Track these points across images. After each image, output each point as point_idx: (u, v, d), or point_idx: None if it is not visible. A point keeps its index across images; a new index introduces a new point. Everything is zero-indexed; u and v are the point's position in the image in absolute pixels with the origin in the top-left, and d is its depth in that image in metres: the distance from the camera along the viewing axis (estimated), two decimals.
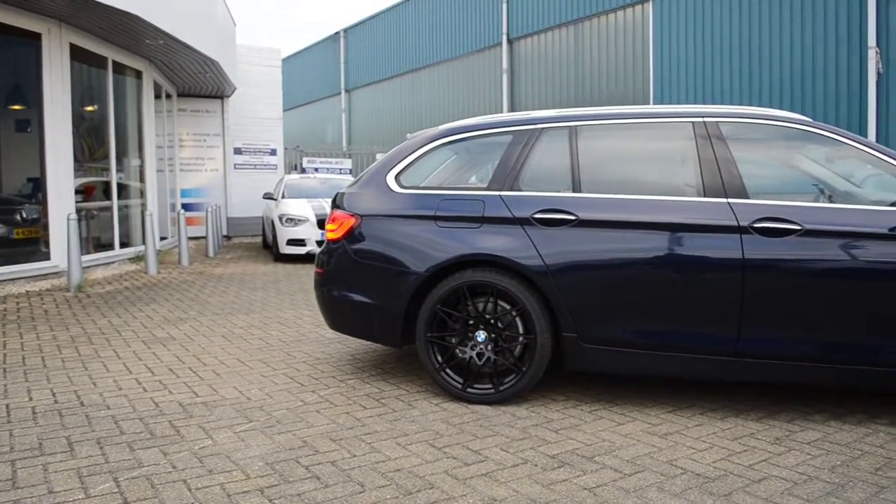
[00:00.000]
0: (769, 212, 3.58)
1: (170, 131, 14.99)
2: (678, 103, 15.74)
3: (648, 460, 3.16)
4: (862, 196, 3.99)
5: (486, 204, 3.96)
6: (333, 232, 4.34)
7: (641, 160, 4.11)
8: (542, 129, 4.10)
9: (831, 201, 3.93)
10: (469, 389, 3.94)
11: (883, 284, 3.51)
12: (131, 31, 9.93)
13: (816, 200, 3.95)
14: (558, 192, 3.94)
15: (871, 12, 13.11)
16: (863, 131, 13.23)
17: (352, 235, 4.24)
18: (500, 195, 3.96)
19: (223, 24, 14.07)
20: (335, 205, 4.46)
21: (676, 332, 3.70)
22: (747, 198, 3.65)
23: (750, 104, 14.43)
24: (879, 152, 3.72)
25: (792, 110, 13.93)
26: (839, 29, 13.63)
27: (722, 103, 14.88)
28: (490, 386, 3.92)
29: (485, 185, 4.07)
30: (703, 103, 15.22)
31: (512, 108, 20.48)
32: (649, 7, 16.91)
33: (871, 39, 13.18)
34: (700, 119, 3.89)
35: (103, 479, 2.93)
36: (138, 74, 12.01)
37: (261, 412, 3.85)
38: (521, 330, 3.88)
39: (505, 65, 20.76)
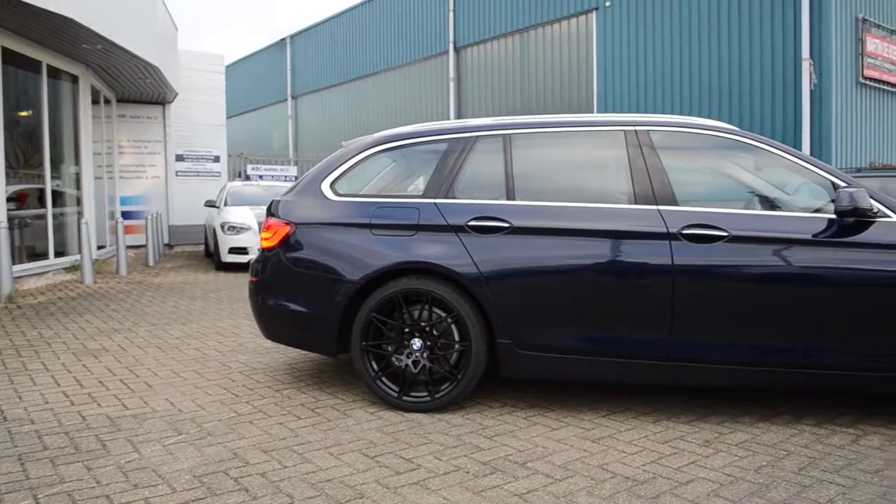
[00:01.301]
0: (697, 218, 3.66)
1: (109, 138, 14.63)
2: (621, 112, 16.01)
3: (580, 465, 3.18)
4: (789, 203, 4.10)
5: (420, 212, 3.95)
6: (268, 240, 4.29)
7: (575, 168, 4.16)
8: (477, 136, 4.12)
9: (759, 208, 4.03)
10: (405, 397, 3.92)
11: (808, 289, 3.61)
12: (67, 35, 9.68)
13: (746, 208, 4.05)
14: (493, 199, 3.96)
15: (805, 25, 13.54)
16: (797, 141, 13.64)
17: (286, 244, 4.20)
18: (434, 203, 3.97)
19: (164, 29, 13.82)
20: (270, 213, 4.41)
21: (609, 338, 3.75)
22: (677, 205, 3.73)
23: (690, 114, 14.76)
24: (803, 161, 3.84)
25: (730, 120, 14.34)
26: (774, 42, 14.05)
27: (663, 112, 15.19)
28: (426, 394, 3.91)
29: (420, 193, 4.07)
30: (645, 112, 15.51)
31: (459, 116, 20.58)
32: (593, 18, 17.21)
33: (805, 51, 13.61)
34: (632, 128, 3.96)
35: (22, 496, 2.83)
36: (74, 79, 11.70)
37: (192, 424, 3.77)
38: (456, 337, 3.88)
39: (452, 73, 20.86)
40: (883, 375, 3.62)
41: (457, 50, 20.91)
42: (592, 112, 17.06)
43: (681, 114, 14.72)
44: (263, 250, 4.34)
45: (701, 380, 3.78)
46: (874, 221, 3.59)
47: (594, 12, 17.16)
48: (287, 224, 4.22)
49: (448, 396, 3.88)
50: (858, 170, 11.66)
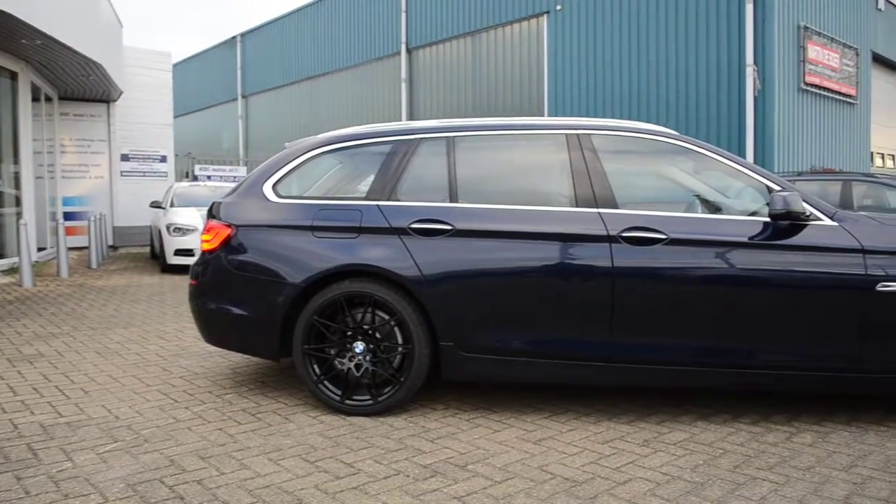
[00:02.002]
0: (637, 221, 3.71)
1: (50, 136, 14.25)
2: (571, 115, 16.18)
3: (520, 467, 3.19)
4: (727, 206, 4.18)
5: (363, 214, 3.93)
6: (208, 243, 4.21)
7: (517, 171, 4.18)
8: (421, 139, 4.11)
9: (698, 211, 4.10)
10: (347, 401, 3.89)
11: (744, 290, 3.69)
12: (5, 29, 9.39)
13: (687, 211, 4.12)
14: (436, 202, 3.96)
15: (749, 32, 13.85)
16: (742, 145, 13.95)
17: (227, 246, 4.13)
18: (377, 205, 3.95)
19: (108, 25, 13.50)
20: (211, 215, 4.34)
21: (551, 340, 3.77)
22: (617, 208, 3.77)
23: (639, 117, 15.00)
24: (740, 165, 3.92)
25: (678, 124, 14.62)
26: (720, 48, 14.35)
27: (612, 116, 15.39)
28: (368, 397, 3.89)
29: (363, 195, 4.05)
30: (595, 115, 15.71)
31: (411, 117, 20.56)
32: (544, 21, 17.35)
33: (749, 58, 13.92)
34: (573, 131, 3.99)
35: None
36: (13, 76, 11.35)
37: (128, 431, 3.68)
38: (399, 340, 3.87)
39: (404, 74, 20.82)
40: (817, 375, 3.71)
41: (409, 51, 20.88)
42: (543, 115, 17.21)
43: (630, 117, 14.96)
44: (204, 253, 4.27)
45: (641, 381, 3.83)
46: (807, 224, 3.68)
47: (545, 16, 17.31)
48: (228, 226, 4.15)
49: (391, 399, 3.86)
50: (799, 173, 11.99)
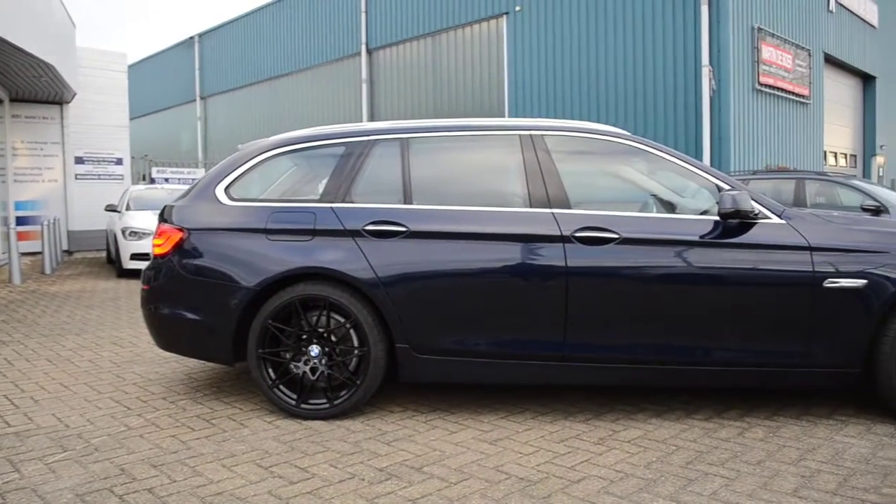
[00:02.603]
0: (589, 221, 3.74)
1: (1, 139, 13.91)
2: (532, 115, 16.27)
3: (476, 467, 3.20)
4: (679, 205, 4.23)
5: (317, 216, 3.90)
6: (160, 247, 4.15)
7: (471, 172, 4.19)
8: (375, 140, 4.10)
9: (651, 211, 4.15)
10: (303, 405, 3.86)
11: (695, 289, 3.74)
12: None
13: (641, 211, 4.16)
14: (390, 203, 3.94)
15: (704, 33, 14.06)
16: (699, 145, 14.16)
17: (179, 250, 4.07)
18: (331, 207, 3.92)
19: (60, 26, 13.22)
20: (162, 218, 4.27)
21: (506, 340, 3.79)
22: (570, 208, 3.80)
23: (598, 118, 15.15)
24: (690, 165, 3.97)
25: (636, 124, 14.79)
26: (676, 49, 14.56)
27: (572, 116, 15.52)
28: (325, 401, 3.86)
29: (317, 197, 4.02)
30: (555, 115, 15.82)
31: (372, 118, 20.50)
32: (503, 22, 17.43)
33: (705, 59, 14.14)
34: (527, 132, 4.01)
35: None
36: None
37: (78, 440, 3.61)
38: (355, 343, 3.85)
39: (364, 74, 20.76)
40: (768, 371, 3.77)
41: (369, 52, 20.82)
42: (504, 115, 17.29)
43: (589, 117, 15.10)
44: (155, 257, 4.20)
45: (595, 379, 3.87)
46: (756, 223, 3.75)
47: (505, 16, 17.40)
48: (180, 230, 4.09)
49: (347, 403, 3.84)
50: (754, 172, 12.21)
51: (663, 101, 14.79)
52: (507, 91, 17.44)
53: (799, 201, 10.17)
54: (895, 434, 3.61)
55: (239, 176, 4.15)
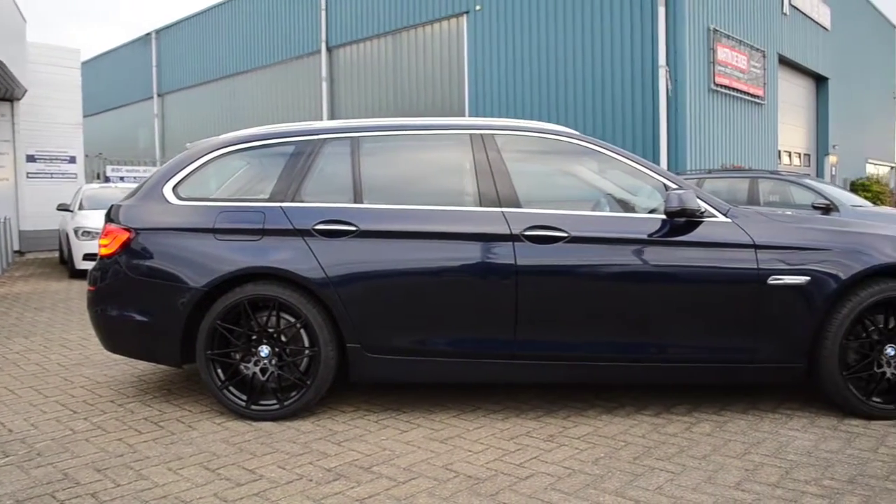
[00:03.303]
0: (538, 220, 3.76)
1: None
2: (491, 114, 16.33)
3: (425, 466, 3.20)
4: (628, 204, 4.27)
5: (266, 216, 3.87)
6: (107, 247, 4.07)
7: (422, 171, 4.19)
8: (325, 139, 4.07)
9: (601, 210, 4.19)
10: (253, 406, 3.83)
11: (644, 286, 3.79)
12: None
13: (595, 210, 4.19)
14: (340, 203, 3.93)
15: (661, 34, 14.24)
16: (656, 144, 14.33)
17: (126, 251, 4.00)
18: (281, 206, 3.89)
19: (9, 20, 12.90)
20: (109, 218, 4.19)
21: (457, 339, 3.80)
22: (519, 207, 3.82)
23: (557, 117, 15.25)
24: (638, 164, 4.02)
25: (594, 123, 14.92)
26: (634, 50, 14.71)
27: (532, 114, 15.60)
28: (275, 402, 3.83)
29: (266, 197, 3.98)
30: (515, 114, 15.89)
31: (332, 116, 20.39)
32: (464, 21, 17.44)
33: (662, 59, 14.31)
34: (477, 132, 4.03)
35: None
36: None
37: (21, 445, 3.53)
38: (306, 343, 3.82)
39: (325, 72, 20.62)
40: (715, 366, 3.84)
41: (329, 49, 20.69)
42: (465, 113, 17.31)
43: (548, 116, 15.20)
44: (102, 258, 4.13)
45: (546, 377, 3.90)
46: (702, 221, 3.80)
47: (465, 15, 17.42)
48: (126, 230, 4.02)
49: (298, 403, 3.81)
50: (709, 171, 12.41)
51: (621, 101, 14.94)
52: (467, 90, 17.47)
53: (753, 200, 10.38)
54: (838, 427, 3.69)
55: (187, 175, 4.10)
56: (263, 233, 3.84)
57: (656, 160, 14.19)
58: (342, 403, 4.14)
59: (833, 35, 22.31)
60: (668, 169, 14.04)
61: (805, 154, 21.95)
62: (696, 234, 3.78)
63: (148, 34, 28.29)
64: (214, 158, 4.15)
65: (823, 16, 21.64)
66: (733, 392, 4.27)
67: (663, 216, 3.80)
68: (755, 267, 3.74)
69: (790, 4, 19.17)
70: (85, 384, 4.70)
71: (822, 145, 22.54)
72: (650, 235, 3.80)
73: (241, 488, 2.97)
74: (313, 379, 3.78)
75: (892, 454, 3.31)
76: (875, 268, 3.75)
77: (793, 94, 20.62)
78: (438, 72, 18.18)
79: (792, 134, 20.65)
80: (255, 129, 4.33)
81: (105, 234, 4.13)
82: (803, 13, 20.16)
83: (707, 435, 3.60)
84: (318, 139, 4.07)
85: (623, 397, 4.22)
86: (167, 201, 4.04)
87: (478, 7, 17.02)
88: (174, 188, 4.06)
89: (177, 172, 4.11)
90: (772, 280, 3.73)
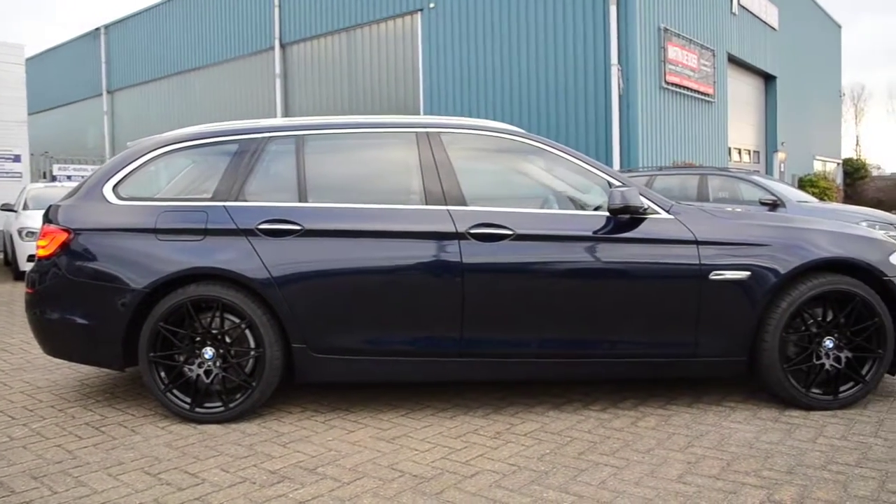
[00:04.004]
0: (484, 218, 3.77)
1: None
2: (445, 112, 16.33)
3: (370, 466, 3.19)
4: (573, 202, 4.29)
5: (209, 215, 3.81)
6: (45, 248, 3.97)
7: (367, 169, 4.17)
8: (269, 137, 4.03)
9: (547, 208, 4.21)
10: (198, 409, 3.77)
11: (588, 283, 3.83)
12: None
13: (540, 207, 4.21)
14: (285, 202, 3.88)
15: (613, 33, 14.39)
16: (608, 141, 14.48)
17: (65, 252, 3.91)
18: (224, 206, 3.84)
19: None
20: (47, 219, 4.08)
21: (403, 338, 3.79)
22: (465, 205, 3.82)
23: (511, 115, 15.32)
24: (583, 162, 4.06)
25: (548, 121, 15.01)
26: (587, 48, 14.85)
27: (487, 112, 15.64)
28: (220, 404, 3.78)
29: (209, 196, 3.92)
30: (468, 113, 15.91)
31: (286, 114, 20.19)
32: (418, 18, 17.41)
33: (614, 58, 14.47)
34: (423, 130, 4.02)
35: None
36: None
37: None
38: (251, 344, 3.78)
39: (278, 69, 20.41)
40: (661, 361, 3.90)
41: (283, 46, 20.47)
42: (420, 111, 17.29)
43: (503, 113, 15.26)
44: (40, 259, 4.02)
45: (493, 375, 3.92)
46: (645, 218, 3.85)
47: (419, 13, 17.39)
48: (65, 231, 3.93)
49: (243, 405, 3.76)
50: (660, 168, 12.59)
51: (574, 99, 15.07)
52: (421, 88, 17.45)
53: (702, 196, 10.55)
54: (779, 418, 3.78)
55: (127, 174, 4.01)
56: (206, 233, 3.78)
57: (609, 157, 14.36)
58: (289, 404, 4.10)
59: (781, 34, 22.82)
60: (622, 166, 14.22)
61: (755, 151, 22.41)
62: (639, 231, 3.83)
63: (97, 29, 27.66)
64: (155, 157, 4.08)
65: (771, 16, 22.11)
66: (679, 386, 4.33)
67: (607, 213, 3.84)
68: (697, 263, 3.80)
69: (739, 4, 19.54)
70: (25, 389, 4.57)
71: (771, 142, 23.05)
72: (595, 232, 3.84)
73: (182, 493, 2.92)
74: (259, 380, 3.74)
75: (830, 444, 3.39)
76: (812, 262, 3.85)
77: (742, 93, 21.03)
78: (393, 69, 18.12)
79: (742, 131, 21.06)
80: (199, 128, 4.26)
81: (43, 234, 4.02)
82: (752, 13, 20.57)
83: (652, 429, 3.65)
84: (262, 137, 4.02)
85: (571, 393, 4.26)
86: (107, 201, 3.95)
87: (431, 5, 17.01)
88: (114, 188, 3.97)
89: (117, 172, 4.02)
90: (713, 275, 3.80)
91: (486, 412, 3.95)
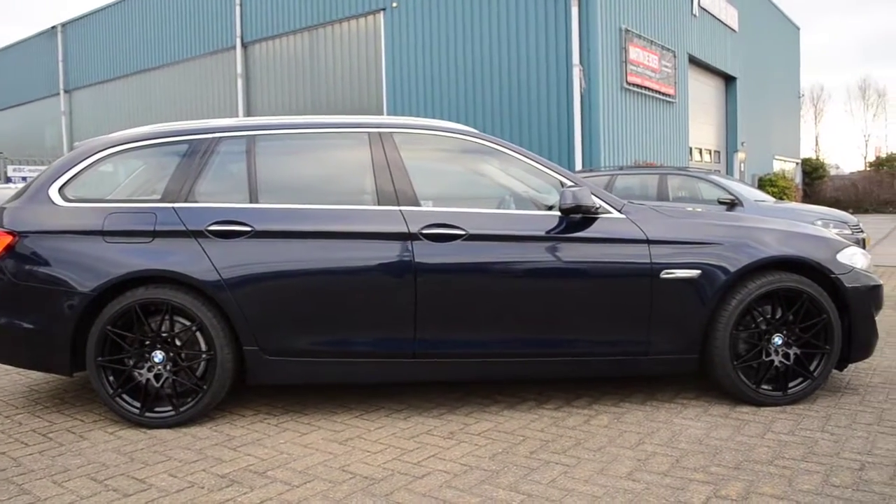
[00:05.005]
0: (436, 218, 3.77)
1: None
2: (409, 112, 16.30)
3: (321, 469, 3.17)
4: (527, 202, 4.29)
5: (158, 217, 3.75)
6: None
7: (319, 170, 4.14)
8: (220, 138, 3.98)
9: (500, 208, 4.22)
10: (148, 414, 3.71)
11: (542, 282, 3.85)
12: None
13: (499, 208, 4.22)
14: (235, 203, 3.84)
15: (575, 33, 14.48)
16: (570, 141, 14.58)
17: (10, 255, 3.82)
18: (173, 207, 3.78)
19: None
20: None
21: (357, 339, 3.77)
22: (418, 205, 3.82)
23: (474, 114, 15.35)
24: (536, 162, 4.08)
25: (510, 122, 15.05)
26: (549, 48, 14.92)
27: (449, 112, 15.65)
28: (170, 408, 3.72)
29: (158, 197, 3.87)
30: (431, 113, 15.91)
31: (248, 113, 20.01)
32: (381, 18, 17.36)
33: (575, 58, 14.56)
34: (375, 130, 4.01)
35: None
36: None
37: None
38: (202, 347, 3.73)
39: (240, 69, 20.21)
40: (614, 359, 3.93)
41: (244, 45, 20.27)
42: (383, 111, 17.25)
43: (466, 113, 15.29)
44: None
45: (447, 375, 3.92)
46: (598, 217, 3.88)
47: (382, 13, 17.34)
48: (10, 233, 3.84)
49: (194, 409, 3.72)
50: (621, 168, 12.71)
51: (537, 99, 15.14)
52: (385, 88, 17.40)
53: (662, 195, 10.67)
54: (729, 414, 3.83)
55: (74, 176, 3.94)
56: (155, 234, 3.73)
57: (571, 157, 14.46)
58: (243, 407, 4.06)
59: (741, 36, 23.17)
60: (583, 165, 14.33)
61: (715, 151, 22.73)
62: (591, 231, 3.86)
63: (53, 27, 27.13)
64: (103, 158, 4.00)
65: (731, 17, 22.44)
66: (633, 384, 4.38)
67: (560, 213, 3.86)
68: (648, 262, 3.84)
69: (699, 6, 19.80)
70: None
71: (731, 142, 23.38)
72: (547, 232, 3.85)
73: (128, 499, 2.88)
74: (210, 384, 3.70)
75: (778, 439, 3.45)
76: (761, 261, 3.91)
77: (703, 93, 21.31)
78: (356, 69, 18.05)
79: (702, 131, 21.34)
80: (149, 128, 4.20)
81: None
82: (712, 14, 20.86)
83: (604, 427, 3.68)
84: (213, 138, 3.98)
85: (526, 392, 4.28)
86: (53, 203, 3.87)
87: (394, 4, 16.97)
88: (60, 189, 3.89)
89: (63, 173, 3.94)
90: (664, 274, 3.84)
91: (441, 412, 3.94)
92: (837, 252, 4.09)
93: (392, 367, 3.81)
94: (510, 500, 2.81)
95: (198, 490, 2.96)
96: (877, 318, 4.20)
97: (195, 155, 3.93)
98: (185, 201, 3.81)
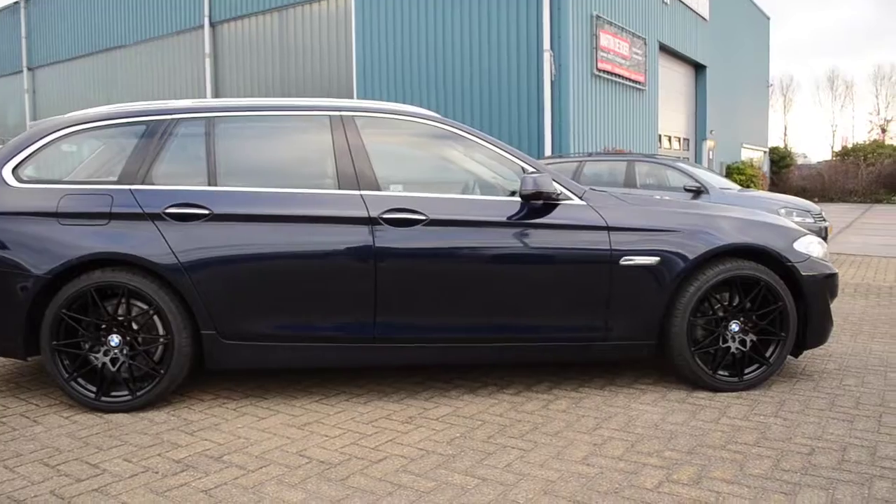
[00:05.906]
0: (397, 203, 3.76)
1: None
2: (378, 96, 16.20)
3: (278, 453, 3.16)
4: (489, 187, 4.29)
5: (114, 199, 3.70)
6: None
7: (280, 153, 4.10)
8: (178, 119, 3.92)
9: (463, 193, 4.22)
10: (104, 398, 3.67)
11: (502, 268, 3.86)
12: None
13: (460, 192, 4.22)
14: (193, 185, 3.80)
15: (546, 19, 14.47)
16: (540, 127, 14.60)
17: None
18: (130, 189, 3.73)
19: None
20: None
21: (316, 324, 3.76)
22: (379, 189, 3.81)
23: (444, 98, 15.31)
24: (497, 147, 4.08)
25: (480, 106, 15.02)
26: (520, 33, 14.90)
27: (417, 99, 15.58)
28: (127, 392, 3.69)
29: (115, 179, 3.81)
30: (401, 97, 15.83)
31: (216, 94, 19.75)
32: (352, 0, 17.19)
33: (546, 43, 14.57)
34: (337, 113, 3.98)
35: None
36: None
37: None
38: (160, 331, 3.69)
39: (208, 49, 19.92)
40: (574, 345, 3.97)
41: (213, 25, 19.97)
42: (353, 93, 17.12)
43: (436, 96, 15.24)
44: None
45: (407, 360, 3.92)
46: (558, 204, 3.90)
47: None
48: None
49: (151, 394, 3.68)
50: (590, 154, 12.77)
51: (507, 84, 15.13)
52: (354, 70, 17.27)
53: (630, 182, 10.75)
54: (686, 399, 3.89)
55: (28, 156, 3.85)
56: (111, 217, 3.67)
57: (541, 143, 14.49)
58: (202, 392, 4.03)
59: (711, 24, 23.33)
60: (553, 151, 14.37)
61: (685, 139, 22.93)
62: (552, 217, 3.88)
63: (16, 2, 26.49)
64: (59, 139, 3.92)
65: (702, 6, 22.58)
66: (594, 369, 4.42)
67: (521, 199, 3.87)
68: (608, 248, 3.87)
69: None
70: None
71: (700, 130, 23.61)
72: (508, 218, 3.86)
73: (80, 484, 2.85)
74: (167, 368, 3.66)
75: (732, 424, 3.51)
76: (719, 248, 3.96)
77: (673, 81, 21.46)
78: (326, 51, 17.88)
79: (672, 119, 21.52)
80: (107, 108, 4.12)
81: None
82: (683, 3, 20.98)
83: (562, 412, 3.71)
84: (171, 119, 3.92)
85: (487, 377, 4.30)
86: (6, 184, 3.79)
87: None
88: (14, 170, 3.81)
89: (17, 153, 3.86)
90: (624, 261, 3.87)
91: (401, 397, 3.95)
92: (794, 241, 4.15)
93: (352, 351, 3.80)
94: (465, 485, 2.83)
95: (152, 475, 2.93)
96: (832, 306, 4.28)
97: (153, 136, 3.87)
98: (143, 183, 3.76)
